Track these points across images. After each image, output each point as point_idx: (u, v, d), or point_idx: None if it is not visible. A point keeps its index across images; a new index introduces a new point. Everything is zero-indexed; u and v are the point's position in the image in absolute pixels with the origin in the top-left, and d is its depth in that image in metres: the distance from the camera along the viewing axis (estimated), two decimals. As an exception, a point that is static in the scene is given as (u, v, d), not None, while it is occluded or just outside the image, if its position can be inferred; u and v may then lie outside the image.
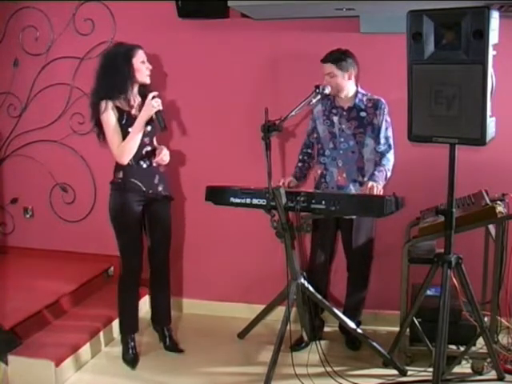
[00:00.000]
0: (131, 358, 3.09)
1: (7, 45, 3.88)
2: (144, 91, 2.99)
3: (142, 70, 2.92)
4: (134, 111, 2.95)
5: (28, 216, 4.08)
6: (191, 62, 3.56)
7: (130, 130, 2.91)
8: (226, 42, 3.51)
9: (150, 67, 2.97)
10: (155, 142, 3.10)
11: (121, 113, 2.91)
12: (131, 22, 3.60)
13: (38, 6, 3.76)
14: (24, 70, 3.87)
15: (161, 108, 2.88)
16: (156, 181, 3.04)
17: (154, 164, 3.02)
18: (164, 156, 2.99)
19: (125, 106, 2.93)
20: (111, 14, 3.64)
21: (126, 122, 2.91)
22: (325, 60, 3.03)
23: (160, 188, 3.06)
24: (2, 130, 4.01)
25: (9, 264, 3.93)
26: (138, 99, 3.01)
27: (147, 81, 2.96)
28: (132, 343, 3.13)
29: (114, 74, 2.87)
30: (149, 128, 2.99)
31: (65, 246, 3.97)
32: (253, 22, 3.40)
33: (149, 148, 3.01)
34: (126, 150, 2.90)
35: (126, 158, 2.91)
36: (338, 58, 3.01)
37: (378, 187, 2.87)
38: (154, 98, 2.86)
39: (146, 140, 2.99)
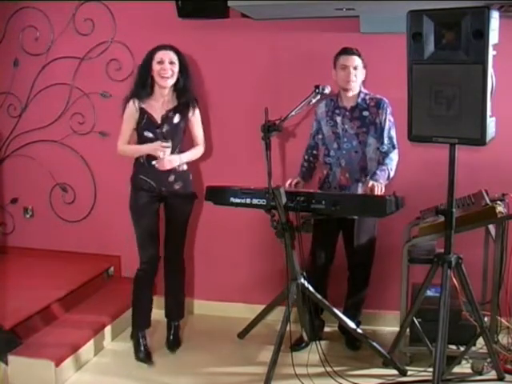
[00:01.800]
0: (144, 356, 3.11)
1: (7, 45, 3.88)
2: (184, 94, 3.02)
3: (157, 71, 2.93)
4: (156, 116, 2.99)
5: (28, 216, 4.07)
6: (191, 62, 3.53)
7: (145, 133, 2.99)
8: (226, 41, 3.51)
9: (166, 68, 2.92)
10: (177, 148, 3.06)
11: (143, 114, 2.97)
12: (131, 22, 3.60)
13: (38, 6, 3.76)
14: (24, 69, 3.87)
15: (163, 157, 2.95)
16: (171, 179, 3.05)
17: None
18: (162, 162, 2.95)
19: (151, 108, 2.99)
20: (111, 13, 3.64)
21: (144, 124, 2.98)
22: (350, 52, 3.00)
23: (177, 186, 3.08)
24: (2, 129, 4.01)
25: (9, 264, 3.92)
26: (170, 102, 3.02)
27: (163, 82, 2.94)
28: (143, 340, 3.15)
29: (137, 76, 3.00)
30: (165, 128, 3.00)
31: (65, 246, 3.97)
32: (253, 22, 3.40)
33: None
34: (125, 151, 3.09)
35: (121, 154, 3.11)
36: (360, 54, 3.02)
37: (378, 186, 2.87)
38: (164, 147, 2.93)
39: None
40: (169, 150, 2.95)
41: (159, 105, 3.01)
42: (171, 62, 2.95)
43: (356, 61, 3.00)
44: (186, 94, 3.03)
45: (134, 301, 3.17)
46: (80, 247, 3.94)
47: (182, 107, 3.05)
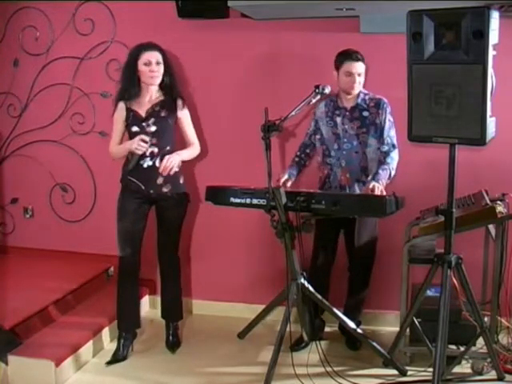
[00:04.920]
0: (118, 357, 3.10)
1: (7, 45, 3.88)
2: (170, 92, 3.03)
3: (145, 72, 2.94)
4: (141, 111, 3.00)
5: (28, 216, 4.08)
6: (191, 62, 3.56)
7: (132, 129, 3.00)
8: (226, 41, 3.51)
9: (155, 69, 2.94)
10: (168, 146, 3.05)
11: (129, 112, 3.00)
12: (131, 21, 3.60)
13: (38, 6, 3.76)
14: (24, 70, 3.87)
15: (139, 153, 2.94)
16: (159, 181, 3.03)
17: (158, 166, 3.00)
18: (167, 164, 2.93)
19: (137, 105, 3.01)
20: (111, 14, 3.64)
21: (131, 121, 3.00)
22: (356, 58, 2.99)
23: (165, 189, 3.05)
24: (2, 130, 4.01)
25: (9, 264, 3.93)
26: (156, 98, 3.03)
27: (152, 82, 2.97)
28: (124, 342, 3.14)
29: (124, 77, 3.00)
30: (153, 128, 3.00)
31: (65, 246, 3.97)
32: (253, 21, 3.40)
33: (155, 149, 3.00)
34: (115, 152, 3.10)
35: (113, 157, 3.14)
36: (363, 57, 3.02)
37: (379, 188, 2.86)
38: (142, 140, 2.92)
39: (153, 140, 2.99)
40: (145, 145, 2.92)
41: (145, 101, 3.02)
42: (158, 63, 2.96)
43: (361, 67, 3.00)
44: (171, 90, 3.05)
45: (117, 303, 3.15)
46: (80, 247, 3.94)
47: (168, 103, 3.04)
